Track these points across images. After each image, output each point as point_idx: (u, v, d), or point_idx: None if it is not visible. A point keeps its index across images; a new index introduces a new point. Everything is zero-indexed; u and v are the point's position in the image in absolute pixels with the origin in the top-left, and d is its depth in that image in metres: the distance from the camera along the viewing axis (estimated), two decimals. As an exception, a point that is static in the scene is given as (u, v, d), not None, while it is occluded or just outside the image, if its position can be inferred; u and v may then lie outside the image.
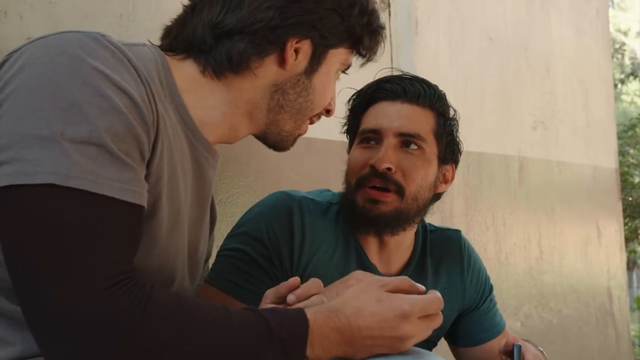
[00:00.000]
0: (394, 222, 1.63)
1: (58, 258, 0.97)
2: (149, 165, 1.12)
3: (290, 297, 1.21)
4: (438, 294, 1.23)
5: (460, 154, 1.76)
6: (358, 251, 1.67)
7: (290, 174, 2.26)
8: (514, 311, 3.44)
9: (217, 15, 1.27)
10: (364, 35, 1.36)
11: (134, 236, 1.07)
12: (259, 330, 1.07)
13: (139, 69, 1.12)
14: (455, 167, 1.75)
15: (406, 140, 1.63)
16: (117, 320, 0.97)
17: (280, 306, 1.24)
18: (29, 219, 0.98)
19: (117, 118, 1.04)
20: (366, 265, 1.66)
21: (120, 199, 1.02)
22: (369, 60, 1.41)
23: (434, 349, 1.84)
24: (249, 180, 2.09)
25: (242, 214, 1.71)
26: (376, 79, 1.73)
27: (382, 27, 1.41)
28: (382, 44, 1.43)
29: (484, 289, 1.86)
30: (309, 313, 1.12)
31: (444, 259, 1.80)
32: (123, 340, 0.97)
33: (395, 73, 1.75)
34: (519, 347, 1.49)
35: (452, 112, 1.74)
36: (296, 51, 1.30)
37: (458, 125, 1.74)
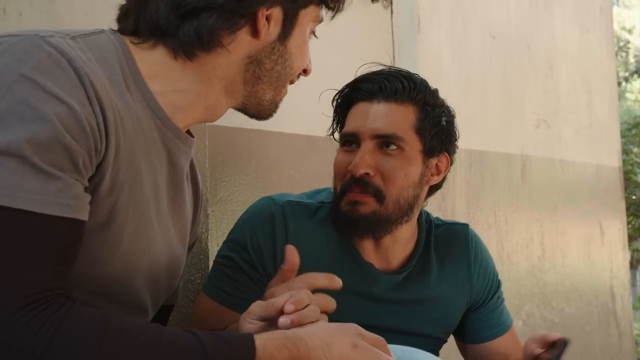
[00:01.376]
0: (373, 225, 1.61)
1: None
2: (98, 170, 1.07)
3: (283, 321, 1.12)
4: None
5: (457, 139, 1.72)
6: (352, 250, 1.67)
7: (291, 172, 2.25)
8: (516, 310, 3.43)
9: None
10: None
11: (63, 250, 1.00)
12: (191, 357, 1.00)
13: (79, 70, 1.04)
14: (452, 155, 1.71)
15: (384, 141, 1.60)
16: (23, 347, 0.91)
17: (235, 326, 1.22)
18: None
19: (43, 127, 0.97)
20: (361, 265, 1.65)
21: (41, 212, 0.96)
22: (338, 11, 1.34)
23: (443, 345, 1.84)
24: (250, 179, 2.09)
25: (243, 212, 1.71)
26: (355, 77, 1.69)
27: None
28: None
29: (492, 285, 1.84)
30: (259, 340, 1.04)
31: (450, 253, 1.79)
32: None
33: (376, 68, 1.71)
34: (566, 342, 1.48)
35: (439, 101, 1.68)
36: (267, 19, 1.24)
37: (449, 111, 1.69)
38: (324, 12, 1.35)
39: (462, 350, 1.90)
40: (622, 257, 4.53)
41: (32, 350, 0.91)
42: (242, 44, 1.23)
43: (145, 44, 1.21)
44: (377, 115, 1.61)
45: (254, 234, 1.62)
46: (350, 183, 1.59)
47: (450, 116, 1.69)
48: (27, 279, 0.94)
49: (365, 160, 1.57)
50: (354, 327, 1.13)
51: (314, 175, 2.11)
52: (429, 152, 1.64)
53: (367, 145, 1.59)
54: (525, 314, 3.51)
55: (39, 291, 0.94)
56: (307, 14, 1.30)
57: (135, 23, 1.22)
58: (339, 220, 1.62)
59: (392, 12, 2.85)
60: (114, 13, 1.67)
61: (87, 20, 1.61)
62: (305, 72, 1.36)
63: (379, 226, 1.61)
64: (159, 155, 1.23)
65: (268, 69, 1.27)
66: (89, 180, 1.05)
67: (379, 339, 1.14)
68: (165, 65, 1.21)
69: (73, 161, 1.01)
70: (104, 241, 1.11)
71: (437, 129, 1.64)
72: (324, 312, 1.21)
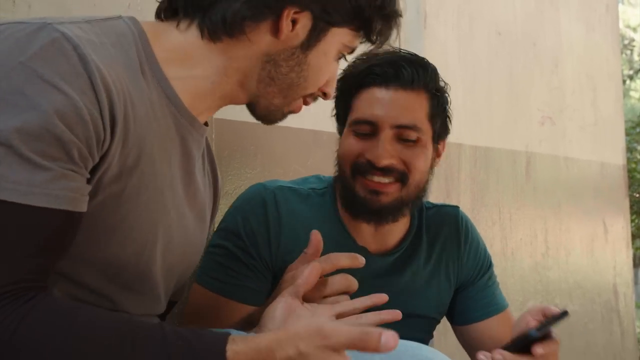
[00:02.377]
0: (395, 211, 1.63)
1: None
2: (104, 159, 1.05)
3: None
4: None
5: (451, 122, 1.72)
6: (346, 235, 1.67)
7: (296, 166, 2.25)
8: (519, 307, 3.43)
9: None
10: (374, 19, 1.27)
11: (47, 242, 0.99)
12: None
13: (85, 57, 1.02)
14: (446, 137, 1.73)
15: (404, 132, 1.59)
16: None
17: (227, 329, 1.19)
18: None
19: (34, 117, 0.96)
20: (355, 250, 1.64)
21: (25, 203, 0.95)
22: (377, 46, 1.33)
23: (437, 326, 1.84)
24: (256, 172, 2.09)
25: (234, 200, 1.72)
26: (364, 58, 1.66)
27: (397, 13, 1.32)
28: (396, 31, 1.34)
29: (482, 264, 1.84)
30: (231, 350, 1.00)
31: (440, 234, 1.79)
32: None
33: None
34: (563, 315, 1.44)
35: (442, 85, 1.67)
36: (294, 22, 1.22)
37: (449, 97, 1.69)
38: (361, 41, 1.33)
39: (459, 336, 1.89)
40: (625, 255, 4.53)
41: None
42: (263, 39, 1.22)
43: (179, 23, 1.21)
44: (397, 104, 1.59)
45: (246, 221, 1.61)
46: (368, 168, 1.58)
47: (449, 103, 1.71)
48: (2, 271, 0.94)
49: (388, 150, 1.57)
50: (319, 332, 1.03)
51: (319, 170, 2.09)
52: (437, 138, 1.66)
53: (387, 135, 1.58)
54: (528, 311, 3.51)
55: (10, 283, 0.94)
56: (339, 34, 1.27)
57: (173, 2, 1.23)
58: (355, 205, 1.62)
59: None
60: (122, 5, 1.68)
61: (96, 12, 1.61)
62: (325, 95, 1.34)
63: (400, 211, 1.64)
64: (173, 143, 1.22)
65: (283, 72, 1.25)
66: (93, 169, 1.05)
67: (350, 337, 1.03)
68: (183, 51, 1.21)
69: (66, 151, 0.99)
70: (114, 226, 1.10)
71: (444, 114, 1.67)
72: (347, 292, 1.26)
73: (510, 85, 3.55)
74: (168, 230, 1.23)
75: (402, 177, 1.59)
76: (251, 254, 1.60)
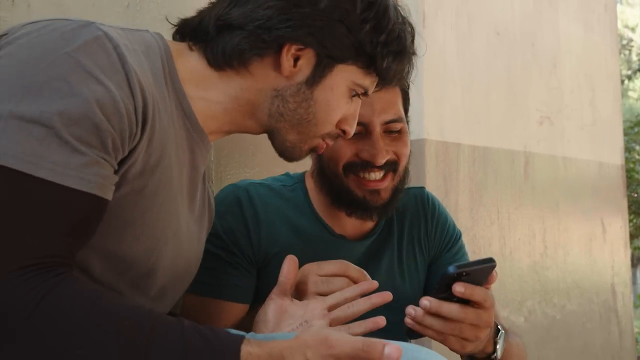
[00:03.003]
0: (393, 203, 1.68)
1: None
2: (132, 154, 1.10)
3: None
4: None
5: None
6: (322, 226, 1.70)
7: (295, 165, 2.25)
8: (518, 306, 3.44)
9: (225, 8, 1.27)
10: (378, 55, 1.29)
11: (77, 223, 1.02)
12: (172, 356, 0.99)
13: (123, 56, 1.09)
14: None
15: (390, 127, 1.63)
16: (14, 304, 0.93)
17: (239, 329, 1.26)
18: None
19: (76, 103, 1.01)
20: (333, 238, 1.69)
21: (60, 183, 0.99)
22: (389, 83, 1.35)
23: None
24: (254, 172, 2.09)
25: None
26: None
27: (407, 51, 1.33)
28: (410, 70, 1.37)
29: (451, 236, 1.87)
30: (245, 351, 1.02)
31: (407, 213, 1.83)
32: (14, 326, 0.93)
33: None
34: (491, 260, 1.36)
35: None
36: (298, 58, 1.26)
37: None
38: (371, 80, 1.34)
39: None
40: (623, 254, 4.53)
41: (22, 307, 0.93)
42: (267, 74, 1.27)
43: (188, 47, 1.28)
44: (383, 103, 1.62)
45: (224, 220, 1.62)
46: (364, 166, 1.61)
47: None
48: (32, 243, 0.96)
49: (382, 149, 1.61)
50: (324, 341, 1.05)
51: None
52: (407, 121, 1.71)
53: (378, 132, 1.62)
54: (527, 310, 3.52)
55: (41, 256, 0.96)
56: (346, 71, 1.29)
57: (182, 26, 1.30)
58: (353, 205, 1.65)
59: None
60: (121, 4, 1.68)
61: (94, 11, 1.62)
62: (344, 133, 1.36)
63: (397, 200, 1.69)
64: (184, 154, 1.26)
65: (291, 108, 1.28)
66: (121, 162, 1.09)
67: (354, 348, 1.05)
68: (200, 73, 1.27)
69: (102, 140, 1.03)
70: (132, 221, 1.14)
71: (407, 96, 1.72)
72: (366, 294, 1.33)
73: (509, 85, 3.56)
74: (177, 233, 1.26)
75: (393, 166, 1.64)
76: (233, 251, 1.62)
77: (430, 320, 1.34)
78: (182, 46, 1.29)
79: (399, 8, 1.35)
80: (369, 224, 1.75)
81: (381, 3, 1.29)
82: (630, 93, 18.16)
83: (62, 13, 1.55)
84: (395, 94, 1.65)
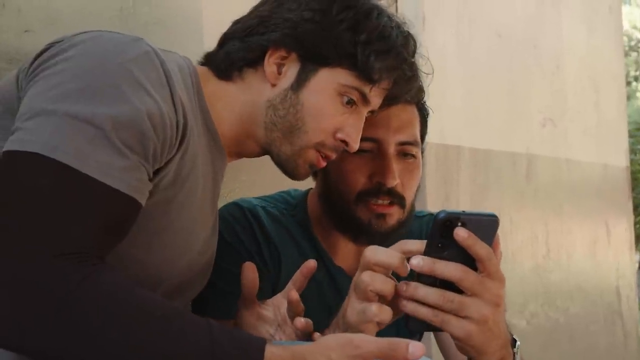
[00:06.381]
0: (397, 234, 1.52)
1: (14, 216, 0.98)
2: (167, 165, 1.15)
3: (298, 322, 1.25)
4: None
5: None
6: (322, 255, 1.60)
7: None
8: (520, 309, 3.43)
9: (231, 27, 1.35)
10: (359, 54, 1.27)
11: (114, 223, 1.06)
12: (199, 349, 1.01)
13: (169, 73, 1.15)
14: None
15: (404, 149, 1.53)
16: (46, 291, 0.96)
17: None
18: (4, 180, 1.02)
19: (127, 110, 1.06)
20: (331, 271, 1.59)
21: (104, 182, 1.03)
22: (377, 82, 1.31)
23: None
24: (250, 176, 2.09)
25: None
26: None
27: (396, 50, 1.31)
28: (404, 70, 1.34)
29: None
30: (269, 351, 1.03)
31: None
32: (54, 303, 0.95)
33: None
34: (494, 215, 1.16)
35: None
36: (282, 64, 1.29)
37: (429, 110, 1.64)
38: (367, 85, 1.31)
39: (439, 344, 1.84)
40: (628, 257, 4.52)
41: (63, 287, 0.96)
42: (262, 87, 1.30)
43: (209, 70, 1.34)
44: (400, 122, 1.53)
45: (232, 231, 1.56)
46: (375, 191, 1.51)
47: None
48: (69, 233, 1.00)
49: (394, 170, 1.50)
50: (349, 343, 1.05)
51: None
52: (422, 148, 1.61)
53: (392, 153, 1.52)
54: (529, 314, 3.51)
55: (78, 247, 1.00)
56: (332, 74, 1.29)
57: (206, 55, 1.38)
58: (357, 231, 1.55)
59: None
60: (113, 9, 1.68)
61: (86, 16, 1.61)
62: (346, 144, 1.34)
63: (401, 233, 1.54)
64: (207, 169, 1.30)
65: (281, 115, 1.30)
66: (157, 171, 1.14)
67: (380, 347, 1.05)
68: (218, 93, 1.31)
69: (145, 147, 1.08)
70: (159, 230, 1.19)
71: (425, 121, 1.61)
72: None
73: (510, 87, 3.55)
74: (193, 247, 1.30)
75: (400, 201, 1.53)
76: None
77: (423, 291, 1.13)
78: (204, 69, 1.34)
79: (393, 15, 1.35)
80: None
81: (362, 6, 1.30)
82: (638, 94, 18.11)
83: (54, 18, 1.55)
84: (413, 116, 1.55)
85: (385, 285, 1.16)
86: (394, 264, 1.15)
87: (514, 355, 1.23)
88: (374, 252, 1.18)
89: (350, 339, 1.06)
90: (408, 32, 1.36)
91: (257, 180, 2.10)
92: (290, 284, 1.33)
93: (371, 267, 1.18)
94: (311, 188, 1.68)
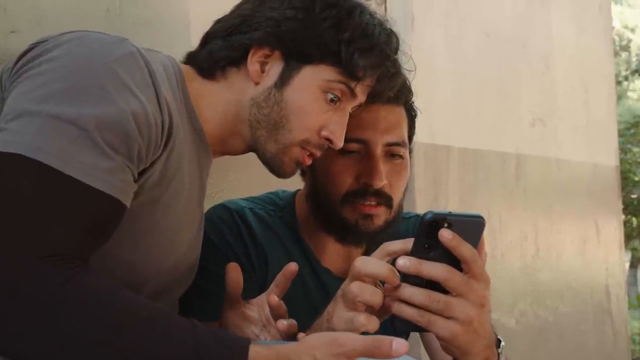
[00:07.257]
0: (384, 234, 1.53)
1: None
2: (152, 165, 1.15)
3: (280, 324, 1.24)
4: None
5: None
6: (309, 257, 1.61)
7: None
8: (509, 308, 3.43)
9: (213, 26, 1.36)
10: (343, 52, 1.28)
11: (97, 225, 1.06)
12: (184, 351, 1.01)
13: (154, 73, 1.15)
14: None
15: (392, 150, 1.54)
16: (28, 294, 0.95)
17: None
18: None
19: (112, 111, 1.06)
20: (318, 272, 1.60)
21: (87, 183, 1.02)
22: (362, 80, 1.32)
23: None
24: (238, 175, 2.08)
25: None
26: None
27: (379, 48, 1.32)
28: (388, 67, 1.34)
29: None
30: (253, 350, 1.03)
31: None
32: (31, 314, 0.95)
33: None
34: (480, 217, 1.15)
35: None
36: (265, 63, 1.29)
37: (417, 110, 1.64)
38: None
39: (424, 344, 1.84)
40: (618, 256, 4.53)
41: (46, 289, 0.96)
42: (245, 85, 1.31)
43: (192, 69, 1.34)
44: (387, 123, 1.53)
45: (219, 233, 1.56)
46: (362, 192, 1.51)
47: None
48: (56, 237, 0.99)
49: (381, 171, 1.50)
50: (333, 341, 1.06)
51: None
52: (410, 148, 1.61)
53: (379, 154, 1.52)
54: (518, 313, 3.51)
55: (63, 249, 0.99)
56: (316, 71, 1.30)
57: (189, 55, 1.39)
58: (344, 231, 1.55)
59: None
60: (100, 9, 1.68)
61: (73, 16, 1.61)
62: (330, 142, 1.34)
63: (387, 234, 1.53)
64: (193, 168, 1.30)
65: (265, 113, 1.30)
66: (142, 172, 1.13)
67: (364, 344, 1.05)
68: (202, 91, 1.32)
69: (129, 148, 1.08)
70: (144, 231, 1.19)
71: (413, 123, 1.61)
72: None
73: (500, 86, 3.55)
74: (179, 246, 1.30)
75: (387, 201, 1.53)
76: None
77: (410, 291, 1.13)
78: (189, 68, 1.34)
79: (374, 12, 1.36)
80: (357, 256, 1.66)
81: (344, 4, 1.31)
82: (630, 93, 18.15)
83: (41, 18, 1.54)
84: (401, 117, 1.56)
85: (374, 296, 1.16)
86: (384, 275, 1.15)
87: (498, 356, 1.24)
88: (365, 263, 1.19)
89: (334, 337, 1.06)
90: (390, 29, 1.37)
91: (245, 179, 2.09)
92: (272, 286, 1.32)
93: (361, 277, 1.18)
94: (299, 189, 1.68)
